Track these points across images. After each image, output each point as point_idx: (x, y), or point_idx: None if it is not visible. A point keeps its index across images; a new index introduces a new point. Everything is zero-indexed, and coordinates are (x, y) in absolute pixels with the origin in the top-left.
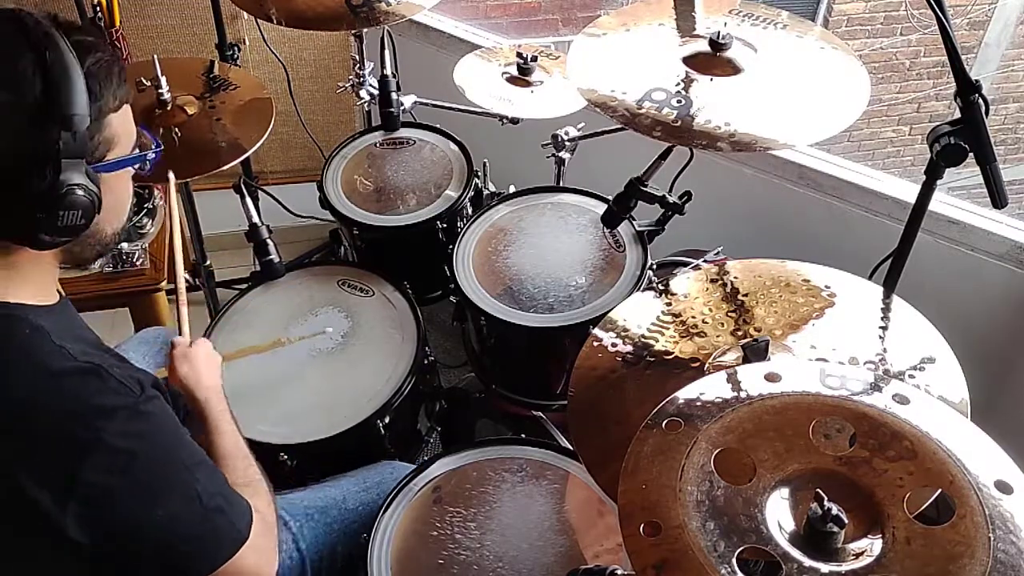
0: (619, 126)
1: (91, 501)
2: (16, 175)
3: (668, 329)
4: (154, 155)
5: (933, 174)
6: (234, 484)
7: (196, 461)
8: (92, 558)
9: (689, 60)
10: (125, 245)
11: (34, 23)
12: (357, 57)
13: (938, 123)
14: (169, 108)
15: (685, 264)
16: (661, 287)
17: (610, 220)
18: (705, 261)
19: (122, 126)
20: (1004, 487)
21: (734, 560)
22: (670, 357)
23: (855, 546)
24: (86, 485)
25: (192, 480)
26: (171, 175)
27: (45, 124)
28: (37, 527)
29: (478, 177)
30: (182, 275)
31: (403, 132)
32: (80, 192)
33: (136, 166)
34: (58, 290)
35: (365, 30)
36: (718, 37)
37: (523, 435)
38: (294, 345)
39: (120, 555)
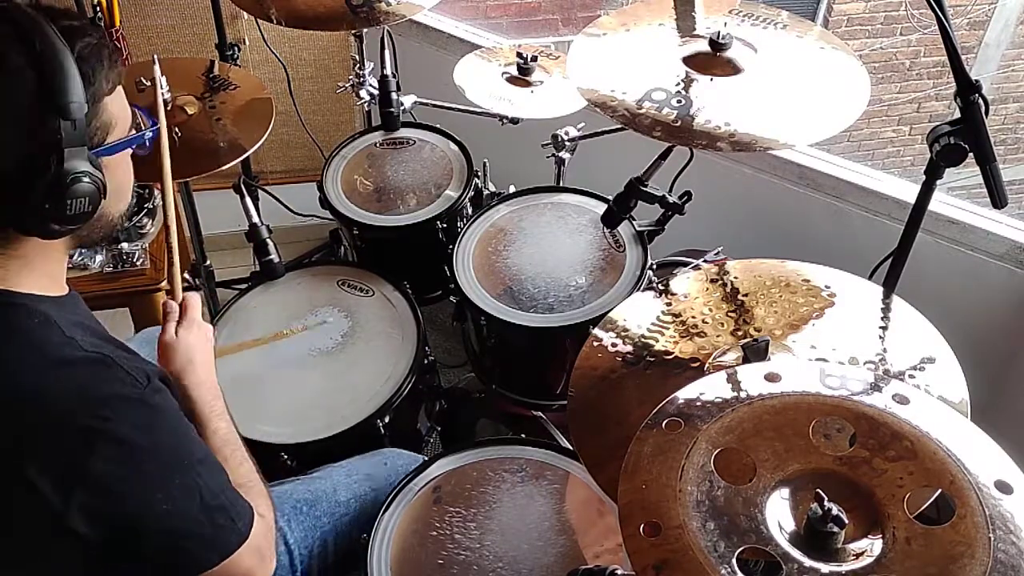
0: (619, 126)
1: (95, 491)
2: (21, 169)
3: (668, 329)
4: (152, 133)
5: (933, 174)
6: (234, 484)
7: (200, 457)
8: (92, 550)
9: (689, 60)
10: (125, 245)
11: (19, 14)
12: (357, 57)
13: (938, 123)
14: (169, 108)
15: (685, 264)
16: (661, 287)
17: (610, 220)
18: (705, 261)
19: (118, 108)
20: (1004, 487)
21: (734, 560)
22: (670, 357)
23: (855, 546)
24: (91, 475)
25: (195, 475)
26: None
27: (44, 115)
28: (41, 516)
29: (478, 177)
30: (175, 234)
31: (403, 132)
32: (85, 179)
33: (135, 146)
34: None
35: (365, 30)
36: (718, 37)
37: (523, 435)
38: (294, 338)
39: (120, 548)
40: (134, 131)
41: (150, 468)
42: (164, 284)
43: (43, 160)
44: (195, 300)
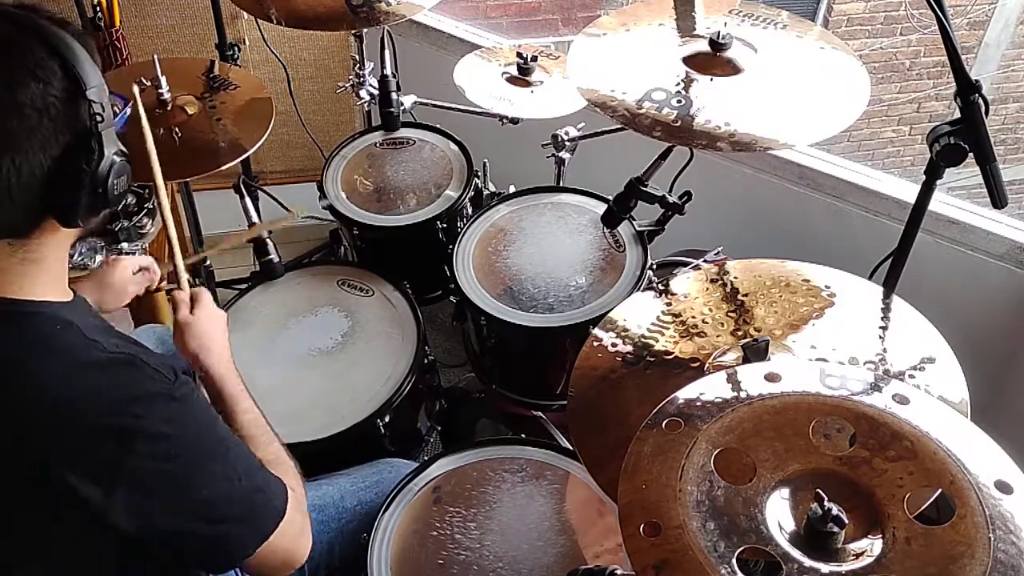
0: (619, 126)
1: (136, 489)
2: (70, 159)
3: (668, 329)
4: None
5: (933, 174)
6: (263, 462)
7: (232, 442)
8: (137, 545)
9: (689, 60)
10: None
11: (24, 14)
12: (357, 57)
13: (938, 123)
14: (169, 108)
15: (685, 264)
16: (661, 287)
17: (610, 220)
18: (705, 261)
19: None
20: (1004, 487)
21: (734, 560)
22: (670, 357)
23: (855, 546)
24: (130, 473)
25: (230, 461)
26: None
27: (77, 103)
28: (83, 516)
29: (478, 177)
30: (172, 228)
31: (403, 132)
32: (121, 159)
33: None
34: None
35: (365, 30)
36: (718, 37)
37: (523, 435)
38: (294, 337)
39: (165, 540)
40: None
41: (187, 458)
42: (165, 284)
43: (86, 146)
44: (204, 291)
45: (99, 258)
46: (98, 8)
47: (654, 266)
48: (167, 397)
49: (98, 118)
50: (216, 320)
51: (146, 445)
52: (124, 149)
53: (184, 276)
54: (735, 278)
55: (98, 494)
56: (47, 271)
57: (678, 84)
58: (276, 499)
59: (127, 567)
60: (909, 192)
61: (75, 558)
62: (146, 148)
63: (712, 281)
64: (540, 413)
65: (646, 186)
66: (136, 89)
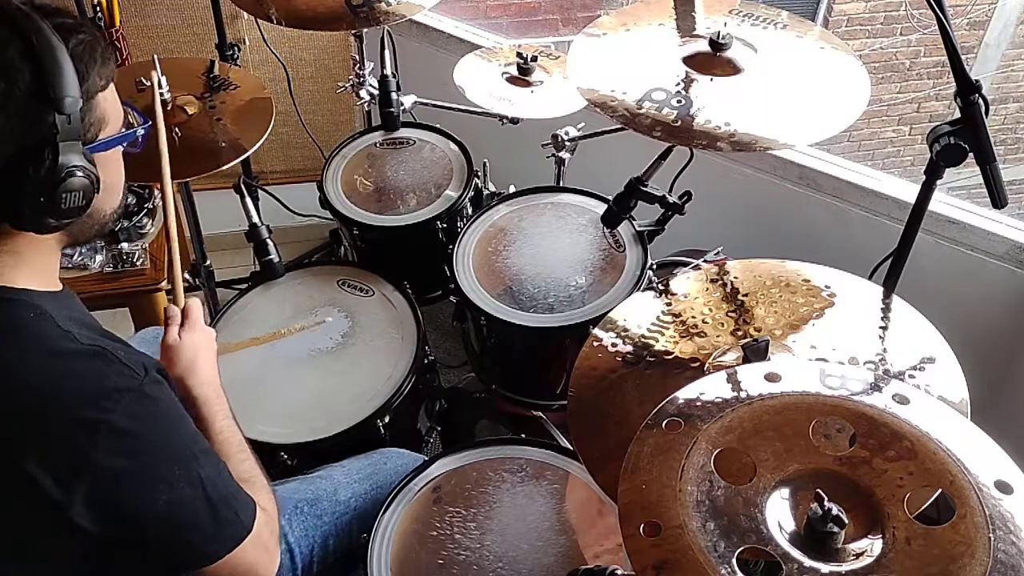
0: (619, 126)
1: (97, 483)
2: (17, 162)
3: (668, 329)
4: (143, 131)
5: (933, 174)
6: (236, 480)
7: (201, 449)
8: (94, 542)
9: (689, 60)
10: (125, 245)
11: (15, 9)
12: (357, 57)
13: (938, 123)
14: (169, 108)
15: (685, 264)
16: (661, 287)
17: (610, 220)
18: (705, 261)
19: (111, 105)
20: (1004, 487)
21: (734, 560)
22: (670, 357)
23: (855, 546)
24: (93, 467)
25: (197, 466)
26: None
27: (39, 109)
28: (43, 510)
29: (478, 177)
30: (175, 239)
31: (403, 132)
32: (80, 174)
33: (127, 144)
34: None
35: (365, 30)
36: (718, 37)
37: (523, 435)
38: (293, 338)
39: (122, 540)
40: (124, 129)
41: (151, 459)
42: (164, 284)
43: (38, 154)
44: (196, 305)
45: (99, 258)
46: (98, 8)
47: (654, 266)
48: (136, 393)
49: (56, 128)
50: (204, 341)
51: (110, 440)
52: (92, 168)
53: (181, 292)
54: (735, 278)
55: (57, 485)
56: (26, 263)
57: (678, 84)
58: (243, 513)
59: (102, 569)
60: (909, 192)
61: (48, 558)
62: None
63: (712, 281)
64: (540, 413)
65: (646, 186)
66: (160, 119)
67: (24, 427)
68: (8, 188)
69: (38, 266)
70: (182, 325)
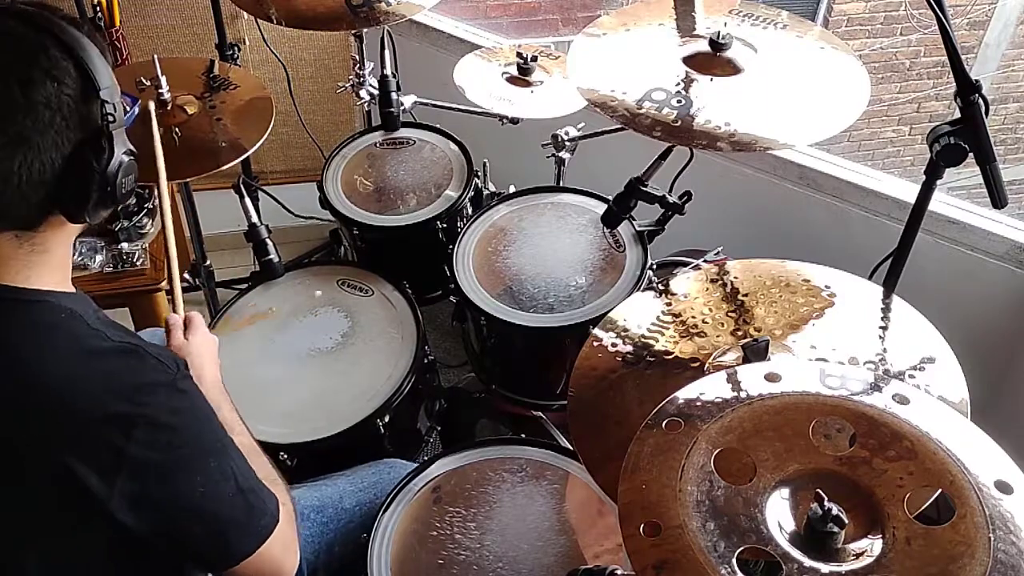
0: (619, 126)
1: (136, 476)
2: (80, 156)
3: (668, 329)
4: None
5: (933, 174)
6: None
7: (229, 442)
8: (124, 540)
9: (689, 60)
10: (125, 245)
11: (38, 14)
12: (357, 57)
13: (938, 123)
14: (169, 108)
15: (685, 264)
16: (661, 287)
17: (610, 220)
18: (705, 261)
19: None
20: (1004, 487)
21: (734, 560)
22: (670, 357)
23: (855, 546)
24: (132, 461)
25: (228, 458)
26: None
27: (90, 102)
28: (75, 508)
29: (478, 177)
30: (173, 246)
31: (403, 132)
32: (131, 157)
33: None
34: None
35: (365, 30)
36: (718, 37)
37: (523, 435)
38: (294, 338)
39: (162, 534)
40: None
41: (187, 451)
42: (164, 284)
43: (97, 145)
44: (198, 315)
45: (99, 258)
46: (98, 8)
47: (654, 266)
48: (171, 387)
49: (110, 118)
50: (208, 346)
51: (148, 434)
52: (133, 148)
53: (180, 300)
54: (735, 278)
55: (98, 481)
56: (53, 263)
57: (678, 84)
58: (270, 504)
59: (123, 564)
60: (909, 192)
61: (71, 554)
62: (155, 158)
63: (712, 281)
64: (540, 413)
65: (646, 186)
66: (152, 106)
67: (65, 424)
68: (74, 182)
69: (62, 265)
70: (187, 329)
